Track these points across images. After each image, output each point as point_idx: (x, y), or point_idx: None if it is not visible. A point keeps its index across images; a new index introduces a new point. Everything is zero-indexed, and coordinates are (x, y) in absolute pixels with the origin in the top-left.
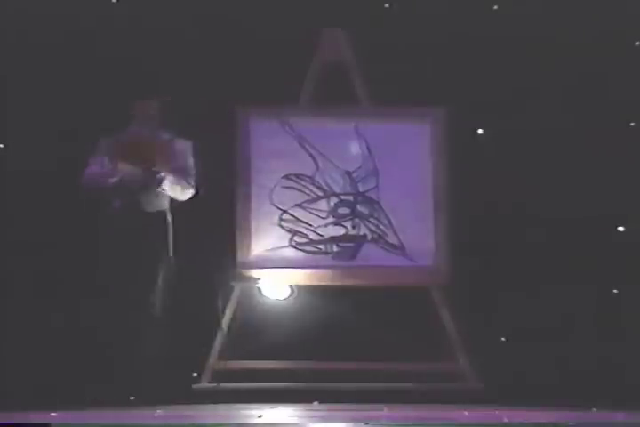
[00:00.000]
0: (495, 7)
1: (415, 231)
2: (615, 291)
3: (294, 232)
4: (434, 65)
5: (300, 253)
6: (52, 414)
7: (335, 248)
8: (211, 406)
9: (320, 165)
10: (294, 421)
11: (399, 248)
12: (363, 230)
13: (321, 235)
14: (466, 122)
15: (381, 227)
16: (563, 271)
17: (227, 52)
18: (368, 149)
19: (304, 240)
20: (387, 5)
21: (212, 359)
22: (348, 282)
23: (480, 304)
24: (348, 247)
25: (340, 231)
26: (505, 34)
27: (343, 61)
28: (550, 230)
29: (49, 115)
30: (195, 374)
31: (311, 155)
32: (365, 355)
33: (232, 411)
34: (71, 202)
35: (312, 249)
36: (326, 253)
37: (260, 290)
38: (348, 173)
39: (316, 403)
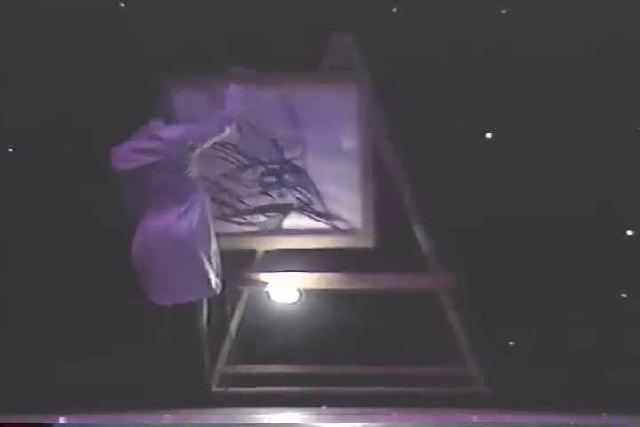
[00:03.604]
0: (504, 11)
1: (341, 198)
2: (624, 295)
3: (221, 203)
4: (442, 68)
5: (228, 225)
6: (61, 418)
7: (262, 218)
8: (219, 410)
9: (244, 132)
10: (303, 425)
11: (325, 216)
12: (289, 199)
13: (248, 205)
14: (475, 125)
15: (308, 195)
16: (571, 275)
17: (235, 55)
18: (294, 115)
19: (231, 211)
20: (394, 10)
21: (221, 363)
22: (357, 286)
23: (488, 308)
24: (274, 217)
25: (266, 201)
26: (513, 37)
27: (351, 66)
28: (559, 234)
29: (58, 118)
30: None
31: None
32: (374, 359)
33: (240, 415)
34: (79, 204)
35: (239, 220)
36: (253, 223)
37: (268, 294)
38: (274, 141)
39: (324, 407)
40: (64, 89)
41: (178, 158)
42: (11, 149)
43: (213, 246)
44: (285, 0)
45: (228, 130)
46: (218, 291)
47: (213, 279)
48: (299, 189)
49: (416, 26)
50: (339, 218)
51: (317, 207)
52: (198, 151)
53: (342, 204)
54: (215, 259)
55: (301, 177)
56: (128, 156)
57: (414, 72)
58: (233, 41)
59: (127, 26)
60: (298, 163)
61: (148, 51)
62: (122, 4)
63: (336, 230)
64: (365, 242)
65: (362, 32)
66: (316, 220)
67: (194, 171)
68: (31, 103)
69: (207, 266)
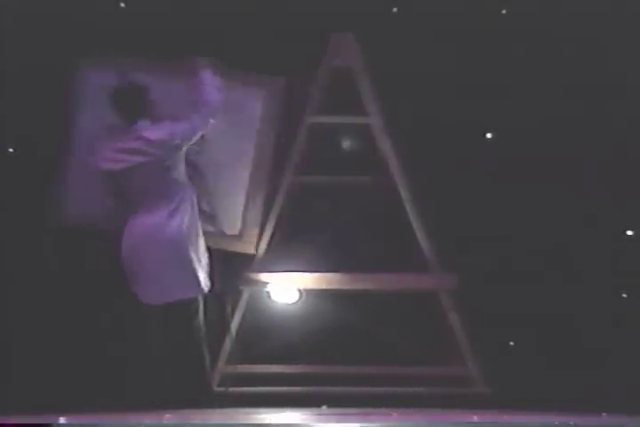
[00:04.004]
0: (504, 11)
1: (228, 201)
2: (624, 295)
3: None
4: (442, 68)
5: None
6: (61, 418)
7: None
8: (219, 410)
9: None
10: (303, 425)
11: (209, 216)
12: None
13: None
14: (475, 125)
15: (198, 193)
16: (571, 275)
17: (235, 55)
18: None
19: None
20: (395, 10)
21: (221, 363)
22: (357, 286)
23: (488, 309)
24: None
25: None
26: (513, 37)
27: (351, 66)
28: (559, 235)
29: (58, 118)
30: (210, 378)
31: None
32: (374, 359)
33: (240, 415)
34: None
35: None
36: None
37: (268, 294)
38: None
39: (324, 407)
40: (64, 89)
41: (165, 159)
42: (11, 149)
43: (202, 246)
44: (285, 0)
45: (212, 122)
46: (206, 290)
47: (202, 278)
48: (190, 185)
49: (416, 26)
50: (221, 220)
51: (204, 206)
52: (184, 150)
53: (227, 207)
54: (204, 258)
55: (195, 173)
56: (115, 156)
57: (414, 72)
58: (233, 41)
59: (127, 26)
60: (195, 159)
61: (149, 51)
62: (122, 4)
63: (217, 232)
64: (244, 247)
65: (362, 32)
66: (200, 218)
67: (180, 171)
68: (31, 103)
69: (196, 265)
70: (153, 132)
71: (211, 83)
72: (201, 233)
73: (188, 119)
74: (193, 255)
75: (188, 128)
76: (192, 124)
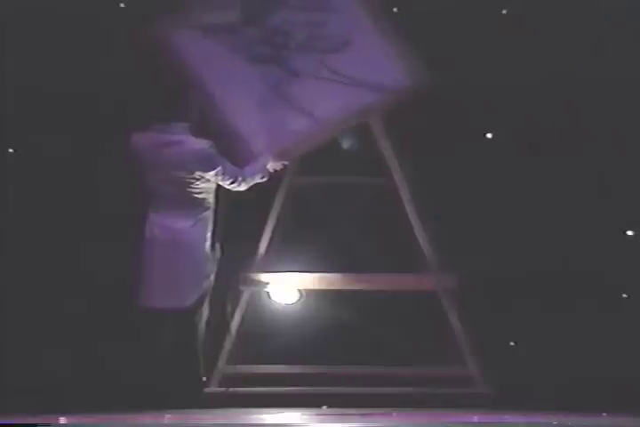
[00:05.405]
0: (504, 11)
1: None
2: (624, 295)
3: None
4: (441, 68)
5: None
6: (61, 418)
7: None
8: (219, 411)
9: None
10: (303, 425)
11: None
12: None
13: None
14: (475, 125)
15: None
16: (571, 275)
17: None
18: None
19: None
20: (395, 10)
21: (221, 364)
22: (357, 287)
23: (489, 309)
24: None
25: None
26: (513, 37)
27: None
28: (560, 234)
29: (58, 118)
30: (204, 379)
31: None
32: (374, 359)
33: (240, 415)
34: (82, 205)
35: None
36: None
37: (268, 294)
38: None
39: (324, 407)
40: (64, 89)
41: (187, 171)
42: (11, 150)
43: (209, 268)
44: None
45: (237, 187)
46: (186, 305)
47: (191, 294)
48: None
49: (416, 26)
50: None
51: None
52: (207, 176)
53: None
54: (203, 280)
55: None
56: (150, 148)
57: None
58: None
59: (127, 26)
60: None
61: (149, 51)
62: (122, 5)
63: None
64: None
65: None
66: None
67: (203, 190)
68: (31, 103)
69: (194, 280)
70: (191, 140)
71: (261, 165)
72: (209, 252)
73: (228, 163)
74: (194, 270)
75: (215, 163)
76: (225, 166)
